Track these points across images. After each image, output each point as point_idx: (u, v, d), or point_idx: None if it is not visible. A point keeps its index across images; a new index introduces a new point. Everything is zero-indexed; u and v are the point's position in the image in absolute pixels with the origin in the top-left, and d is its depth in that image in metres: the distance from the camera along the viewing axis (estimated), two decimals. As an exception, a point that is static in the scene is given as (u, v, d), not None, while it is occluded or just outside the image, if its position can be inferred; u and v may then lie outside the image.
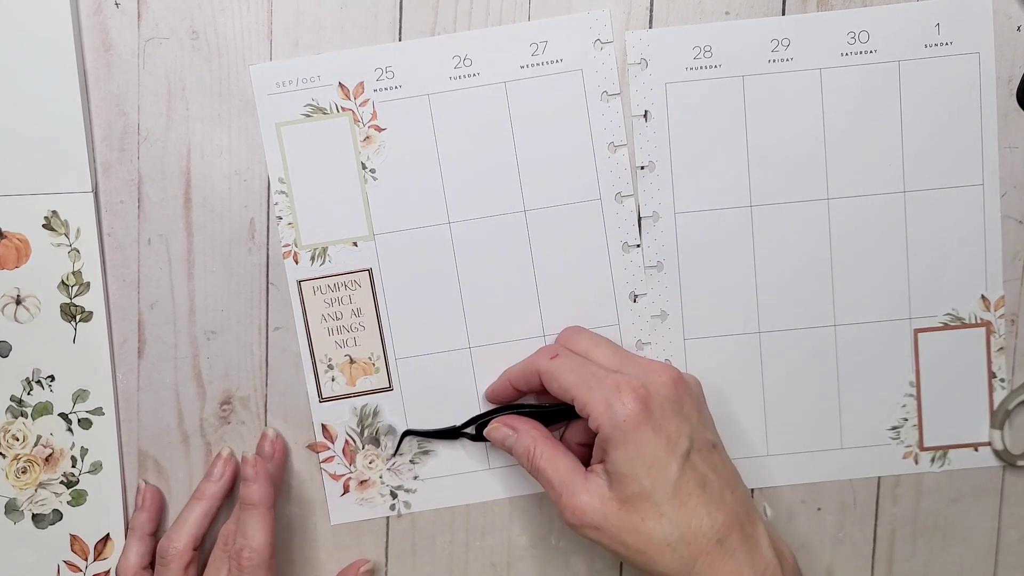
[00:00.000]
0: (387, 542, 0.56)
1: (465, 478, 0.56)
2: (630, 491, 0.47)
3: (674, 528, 0.47)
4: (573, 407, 0.51)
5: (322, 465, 0.55)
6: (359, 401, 0.55)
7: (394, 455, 0.55)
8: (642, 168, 0.54)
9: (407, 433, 0.55)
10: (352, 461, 0.55)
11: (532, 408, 0.54)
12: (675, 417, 0.48)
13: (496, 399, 0.55)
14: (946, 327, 0.55)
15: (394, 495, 0.56)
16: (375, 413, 0.55)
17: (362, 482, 0.55)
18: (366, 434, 0.55)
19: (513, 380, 0.53)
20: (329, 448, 0.55)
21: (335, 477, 0.55)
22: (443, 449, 0.56)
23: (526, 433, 0.51)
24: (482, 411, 0.55)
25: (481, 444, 0.55)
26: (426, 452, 0.56)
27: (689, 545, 0.47)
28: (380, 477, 0.55)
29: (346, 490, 0.56)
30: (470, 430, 0.55)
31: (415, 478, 0.56)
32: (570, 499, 0.48)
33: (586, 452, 0.52)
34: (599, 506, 0.48)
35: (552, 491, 0.49)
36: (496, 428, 0.53)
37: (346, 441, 0.55)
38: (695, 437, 0.48)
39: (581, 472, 0.49)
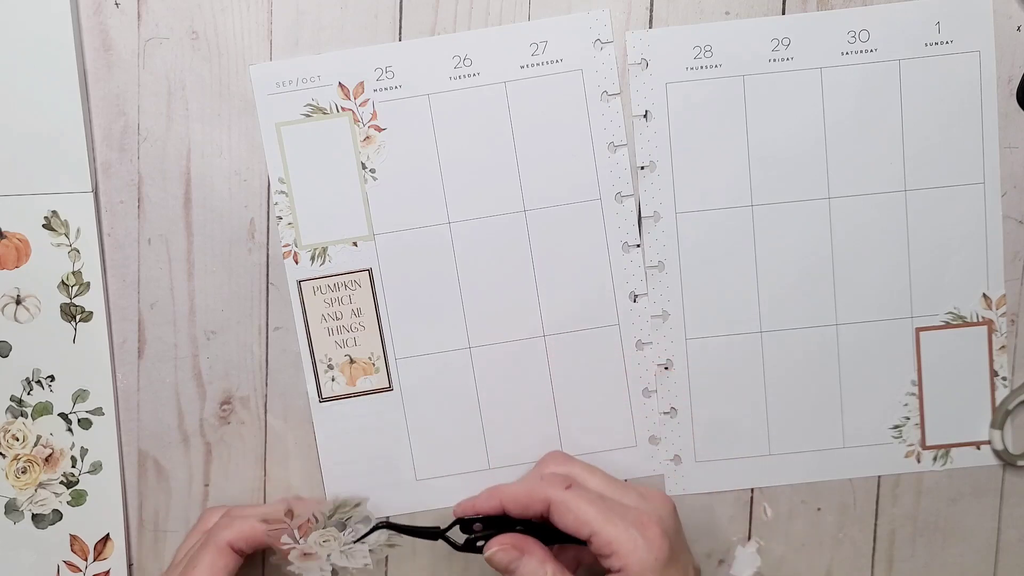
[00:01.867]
0: (387, 542, 0.56)
1: (464, 478, 0.56)
2: None
3: None
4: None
5: (268, 532, 0.50)
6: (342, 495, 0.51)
7: (356, 541, 0.51)
8: (642, 168, 0.54)
9: (381, 526, 0.51)
10: (304, 536, 0.50)
11: (523, 523, 0.50)
12: (683, 548, 0.49)
13: (477, 515, 0.50)
14: (948, 326, 0.55)
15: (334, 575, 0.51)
16: (356, 504, 0.51)
17: (306, 554, 0.50)
18: (335, 518, 0.50)
19: (508, 503, 0.50)
20: (286, 524, 0.50)
21: (279, 544, 0.50)
22: (417, 546, 0.53)
23: (533, 556, 0.49)
24: (472, 514, 0.51)
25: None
26: (392, 546, 0.52)
27: None
28: (328, 556, 0.50)
29: (284, 557, 0.50)
30: (454, 532, 0.51)
31: (365, 566, 0.51)
32: None
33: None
34: None
35: None
36: (502, 551, 0.49)
37: (308, 519, 0.50)
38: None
39: None
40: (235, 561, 0.50)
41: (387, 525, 0.51)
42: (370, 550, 0.51)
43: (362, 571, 0.52)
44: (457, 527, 0.51)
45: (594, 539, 0.47)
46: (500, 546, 0.49)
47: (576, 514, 0.48)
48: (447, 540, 0.51)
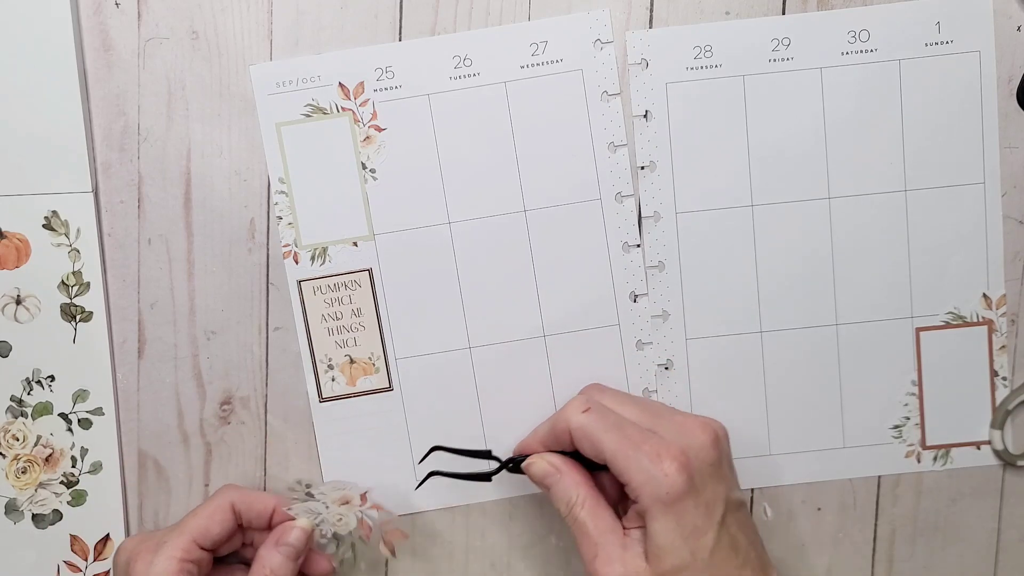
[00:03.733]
0: (387, 542, 0.56)
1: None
2: (668, 564, 0.46)
3: None
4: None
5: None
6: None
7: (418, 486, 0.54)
8: (643, 168, 0.54)
9: (435, 449, 0.53)
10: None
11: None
12: (713, 481, 0.47)
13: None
14: (948, 326, 0.55)
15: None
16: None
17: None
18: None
19: (545, 442, 0.51)
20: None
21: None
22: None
23: (569, 476, 0.49)
24: (511, 455, 0.53)
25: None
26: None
27: None
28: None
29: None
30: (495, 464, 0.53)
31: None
32: (604, 566, 0.46)
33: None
34: None
35: (587, 548, 0.47)
36: (537, 464, 0.50)
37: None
38: (729, 499, 0.47)
39: (619, 534, 0.47)
40: (231, 521, 0.50)
41: (437, 473, 0.53)
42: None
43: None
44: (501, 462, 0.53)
45: (611, 468, 0.47)
46: (535, 460, 0.50)
47: (592, 440, 0.48)
48: (496, 459, 0.53)
